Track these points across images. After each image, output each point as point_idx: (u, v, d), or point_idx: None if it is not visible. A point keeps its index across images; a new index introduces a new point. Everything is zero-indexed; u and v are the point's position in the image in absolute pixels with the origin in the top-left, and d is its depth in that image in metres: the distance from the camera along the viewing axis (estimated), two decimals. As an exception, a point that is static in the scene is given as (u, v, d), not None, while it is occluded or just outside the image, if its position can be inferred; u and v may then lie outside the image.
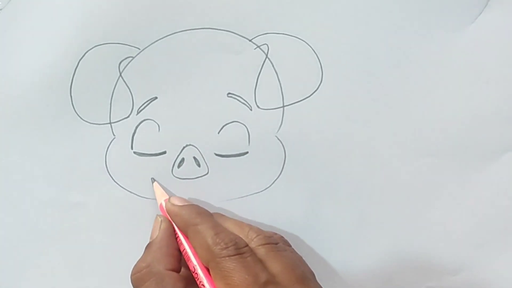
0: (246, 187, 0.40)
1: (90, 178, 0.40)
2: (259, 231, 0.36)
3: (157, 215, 0.39)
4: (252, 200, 0.40)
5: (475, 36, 0.39)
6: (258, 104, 0.40)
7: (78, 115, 0.39)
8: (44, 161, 0.40)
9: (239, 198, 0.40)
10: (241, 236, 0.36)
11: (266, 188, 0.40)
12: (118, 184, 0.40)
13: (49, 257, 0.41)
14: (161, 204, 0.39)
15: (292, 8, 0.39)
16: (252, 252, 0.35)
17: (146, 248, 0.37)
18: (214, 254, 0.34)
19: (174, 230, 0.38)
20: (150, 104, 0.39)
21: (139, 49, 0.39)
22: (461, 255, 0.41)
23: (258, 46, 0.39)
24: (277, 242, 0.36)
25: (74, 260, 0.41)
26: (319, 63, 0.39)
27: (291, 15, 0.39)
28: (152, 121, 0.40)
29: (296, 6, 0.39)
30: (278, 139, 0.40)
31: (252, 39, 0.39)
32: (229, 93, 0.39)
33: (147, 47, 0.39)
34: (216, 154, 0.40)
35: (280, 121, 0.40)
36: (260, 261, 0.34)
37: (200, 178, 0.40)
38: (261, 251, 0.35)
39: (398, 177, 0.40)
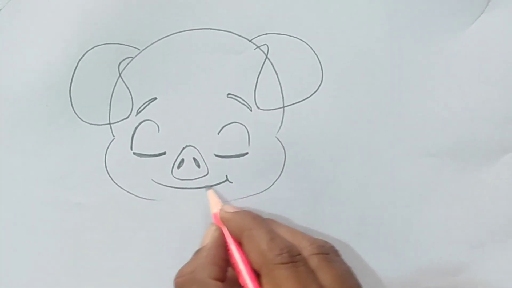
0: (246, 188, 0.40)
1: (89, 179, 0.40)
2: (311, 240, 0.36)
3: (211, 223, 0.39)
4: (252, 201, 0.40)
5: (475, 37, 0.39)
6: (258, 105, 0.40)
7: (77, 115, 0.39)
8: (43, 161, 0.40)
9: (239, 199, 0.40)
10: (294, 243, 0.36)
11: (266, 189, 0.40)
12: (117, 185, 0.40)
13: (49, 257, 0.41)
14: (215, 213, 0.39)
15: (292, 8, 0.38)
16: (305, 261, 0.34)
17: (194, 254, 0.37)
18: (267, 259, 0.34)
19: (225, 241, 0.38)
20: (149, 105, 0.39)
21: (138, 49, 0.39)
22: (461, 255, 0.41)
23: (258, 47, 0.39)
24: (328, 252, 0.36)
25: (74, 261, 0.41)
26: (319, 64, 0.39)
27: (291, 16, 0.39)
28: (152, 122, 0.40)
29: (296, 6, 0.38)
30: (278, 139, 0.40)
31: (252, 39, 0.39)
32: (229, 94, 0.39)
33: (147, 47, 0.39)
34: (216, 155, 0.40)
35: (280, 121, 0.40)
36: (312, 271, 0.34)
37: (199, 179, 0.40)
38: (313, 261, 0.35)
39: (398, 177, 0.40)
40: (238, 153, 0.40)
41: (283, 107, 0.40)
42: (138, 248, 0.41)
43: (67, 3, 0.38)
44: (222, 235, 0.38)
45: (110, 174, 0.40)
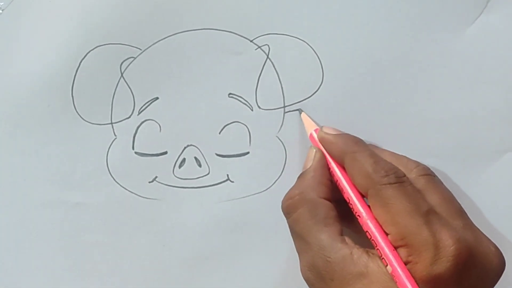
0: (247, 187, 0.40)
1: (91, 179, 0.40)
2: (417, 162, 0.36)
3: (311, 146, 0.38)
4: (253, 201, 0.40)
5: (474, 37, 0.39)
6: (259, 105, 0.40)
7: (79, 115, 0.39)
8: (45, 161, 0.40)
9: (240, 198, 0.40)
10: (399, 166, 0.36)
11: (267, 189, 0.40)
12: (119, 184, 0.40)
13: (50, 257, 0.40)
14: (311, 134, 0.38)
15: (293, 8, 0.39)
16: (411, 182, 0.34)
17: (298, 177, 0.37)
18: (374, 181, 0.34)
19: (327, 162, 0.37)
20: (151, 105, 0.40)
21: (140, 49, 0.39)
22: (461, 255, 0.41)
23: (259, 47, 0.39)
24: (434, 175, 0.36)
25: (75, 260, 0.41)
26: (320, 64, 0.39)
27: (292, 16, 0.39)
28: (153, 122, 0.40)
29: (297, 6, 0.39)
30: (279, 139, 0.40)
31: (253, 39, 0.39)
32: (230, 94, 0.40)
33: (149, 47, 0.39)
34: (217, 154, 0.40)
35: (281, 121, 0.40)
36: (419, 191, 0.34)
37: (201, 178, 0.40)
38: (421, 182, 0.35)
39: (398, 177, 0.40)
40: (239, 152, 0.40)
41: (284, 106, 0.40)
42: (140, 248, 0.41)
43: (69, 4, 0.38)
44: (323, 156, 0.37)
45: (111, 173, 0.40)
